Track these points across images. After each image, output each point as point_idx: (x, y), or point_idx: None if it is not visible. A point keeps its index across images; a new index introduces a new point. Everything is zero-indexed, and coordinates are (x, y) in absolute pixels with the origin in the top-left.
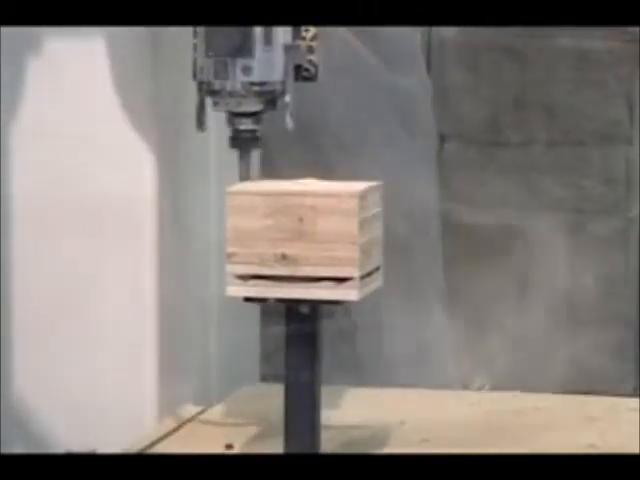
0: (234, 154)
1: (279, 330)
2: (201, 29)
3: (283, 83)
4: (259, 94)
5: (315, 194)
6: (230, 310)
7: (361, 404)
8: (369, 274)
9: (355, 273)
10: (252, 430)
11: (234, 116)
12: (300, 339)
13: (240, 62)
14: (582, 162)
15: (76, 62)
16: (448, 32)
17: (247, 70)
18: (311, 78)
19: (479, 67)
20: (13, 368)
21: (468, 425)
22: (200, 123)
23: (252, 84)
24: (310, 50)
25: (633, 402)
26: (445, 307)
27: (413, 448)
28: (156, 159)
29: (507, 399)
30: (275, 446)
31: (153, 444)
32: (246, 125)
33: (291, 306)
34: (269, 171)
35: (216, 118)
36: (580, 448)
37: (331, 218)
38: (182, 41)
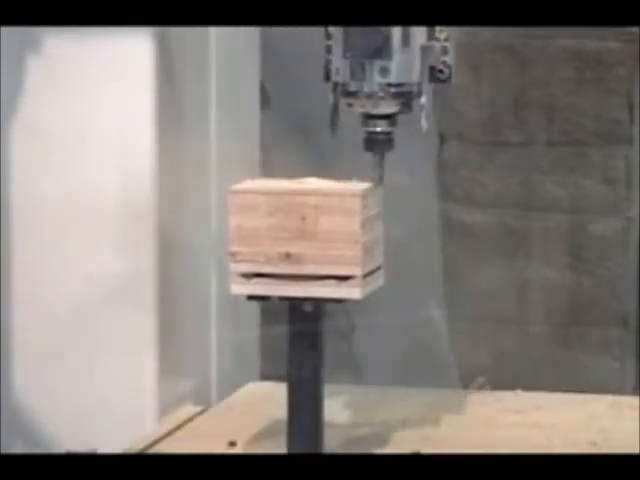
0: (235, 154)
1: (280, 329)
2: (337, 30)
3: (419, 84)
4: (396, 96)
5: (317, 193)
6: (230, 309)
7: (362, 403)
8: (371, 273)
9: (358, 271)
10: (253, 429)
11: (369, 118)
12: (303, 337)
13: (378, 63)
14: (582, 162)
15: (76, 62)
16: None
17: (385, 71)
18: (445, 80)
19: (479, 67)
20: (13, 368)
21: (468, 425)
22: (333, 126)
23: (389, 85)
24: (444, 51)
25: (633, 400)
26: (444, 307)
27: (414, 446)
28: (156, 158)
29: (508, 398)
30: (278, 445)
31: (153, 444)
32: (382, 127)
33: (294, 304)
34: (269, 171)
35: (218, 118)
36: (581, 446)
37: (333, 217)
38: (186, 41)
